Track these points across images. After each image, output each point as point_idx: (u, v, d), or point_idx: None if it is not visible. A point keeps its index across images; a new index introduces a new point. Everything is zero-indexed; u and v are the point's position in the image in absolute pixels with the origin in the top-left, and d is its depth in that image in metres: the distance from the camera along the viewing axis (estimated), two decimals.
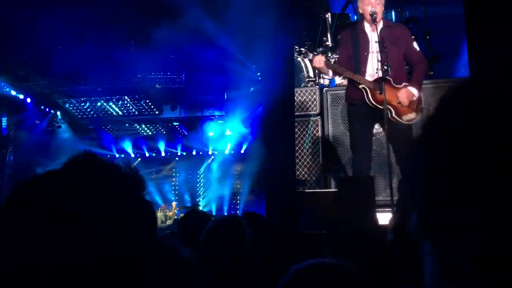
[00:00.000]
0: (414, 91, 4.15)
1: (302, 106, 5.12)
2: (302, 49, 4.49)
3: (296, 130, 5.01)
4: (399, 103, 4.12)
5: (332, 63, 4.43)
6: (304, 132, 5.08)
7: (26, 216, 0.65)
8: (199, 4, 9.60)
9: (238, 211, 12.92)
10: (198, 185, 13.52)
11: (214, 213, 12.77)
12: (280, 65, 6.55)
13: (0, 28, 10.55)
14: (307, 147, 5.04)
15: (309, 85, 5.31)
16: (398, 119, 4.14)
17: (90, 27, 10.23)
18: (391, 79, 4.12)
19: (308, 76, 5.42)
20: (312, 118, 5.02)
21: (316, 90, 5.11)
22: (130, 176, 0.75)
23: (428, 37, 5.37)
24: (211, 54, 11.01)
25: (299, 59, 5.17)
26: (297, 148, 4.99)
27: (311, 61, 4.77)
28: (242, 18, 7.55)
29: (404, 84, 4.17)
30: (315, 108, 5.05)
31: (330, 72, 4.41)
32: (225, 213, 12.84)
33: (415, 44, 4.39)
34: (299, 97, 5.11)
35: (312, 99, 5.06)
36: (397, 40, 4.26)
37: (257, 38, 7.58)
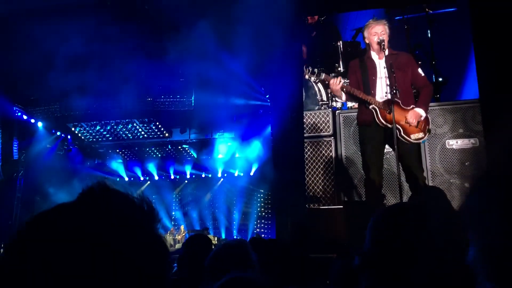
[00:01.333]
0: (421, 112, 4.63)
1: (316, 127, 5.63)
2: (314, 69, 4.96)
3: (311, 150, 5.51)
4: (407, 123, 4.59)
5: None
6: (319, 152, 5.57)
7: (38, 252, 0.66)
8: (209, 27, 10.14)
9: (247, 234, 13.26)
10: (207, 207, 13.91)
11: (223, 236, 13.11)
12: (289, 87, 7.04)
13: (12, 54, 11.22)
14: (321, 166, 5.52)
15: (323, 108, 5.83)
16: (407, 138, 4.60)
17: (100, 52, 10.75)
18: (399, 101, 4.61)
19: (322, 100, 5.94)
20: (325, 139, 5.52)
21: (329, 112, 5.62)
22: (143, 209, 0.77)
23: (434, 62, 5.90)
24: (220, 77, 11.53)
25: (312, 82, 5.70)
26: (312, 167, 5.48)
27: (323, 82, 5.27)
28: (251, 41, 8.05)
29: (412, 106, 4.66)
30: (328, 130, 5.56)
31: (344, 96, 4.90)
32: (235, 236, 13.17)
33: (419, 70, 4.89)
34: (313, 119, 5.63)
35: (326, 121, 5.57)
36: (403, 66, 4.76)
37: (267, 61, 8.09)
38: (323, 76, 4.83)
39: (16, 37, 10.41)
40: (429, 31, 6.11)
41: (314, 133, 5.60)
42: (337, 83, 4.69)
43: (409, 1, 6.43)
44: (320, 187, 5.55)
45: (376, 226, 1.18)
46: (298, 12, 7.13)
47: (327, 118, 5.57)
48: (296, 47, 7.26)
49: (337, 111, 5.62)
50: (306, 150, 5.66)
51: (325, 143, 5.53)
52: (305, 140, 5.70)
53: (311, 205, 5.41)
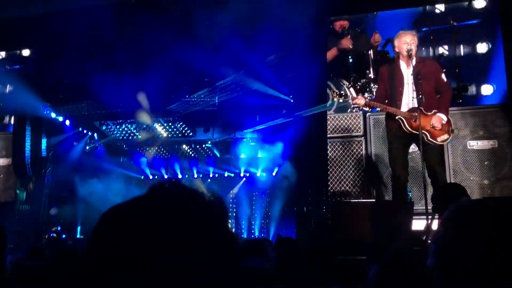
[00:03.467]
0: (443, 116, 5.52)
1: (348, 128, 6.59)
2: (341, 92, 5.86)
3: (343, 149, 6.46)
4: (433, 127, 5.46)
5: (372, 94, 5.84)
6: (350, 151, 6.53)
7: (116, 242, 0.74)
8: (232, 28, 10.92)
9: (269, 234, 14.11)
10: (229, 207, 14.77)
11: (245, 236, 13.97)
12: (312, 88, 7.86)
13: (40, 52, 12.24)
14: (352, 164, 6.47)
15: (354, 110, 6.78)
16: (434, 141, 5.48)
17: (126, 52, 11.64)
18: (422, 108, 5.48)
19: (356, 104, 6.88)
20: (356, 139, 6.48)
21: (360, 115, 6.59)
22: (214, 205, 0.82)
23: (457, 70, 6.82)
24: (244, 77, 12.37)
25: (345, 87, 6.65)
26: (343, 164, 6.43)
27: (355, 87, 6.20)
28: (275, 41, 8.87)
29: (434, 111, 5.53)
30: (359, 130, 6.53)
31: (367, 108, 5.82)
32: (257, 235, 14.04)
33: (443, 75, 5.76)
34: (345, 121, 6.59)
35: (357, 123, 6.53)
36: (429, 73, 5.63)
37: (290, 60, 8.90)
38: (349, 97, 5.76)
39: (43, 35, 11.40)
40: (453, 42, 7.05)
41: (346, 133, 6.57)
42: (360, 103, 5.59)
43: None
44: (351, 182, 6.49)
45: (457, 221, 1.17)
46: (323, 13, 7.95)
47: (358, 120, 6.54)
48: (320, 48, 8.06)
49: (367, 114, 6.58)
50: (338, 148, 6.60)
51: (356, 142, 6.50)
52: (337, 140, 6.65)
53: (342, 198, 6.34)
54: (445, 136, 5.52)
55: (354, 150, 6.52)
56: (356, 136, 6.50)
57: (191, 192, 0.83)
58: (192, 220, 0.77)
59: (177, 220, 0.75)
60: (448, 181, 6.05)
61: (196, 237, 0.75)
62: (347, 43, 7.53)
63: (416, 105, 5.39)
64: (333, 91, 5.81)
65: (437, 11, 7.97)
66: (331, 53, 8.07)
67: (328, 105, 7.29)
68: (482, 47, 7.40)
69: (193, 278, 0.73)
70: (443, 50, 7.47)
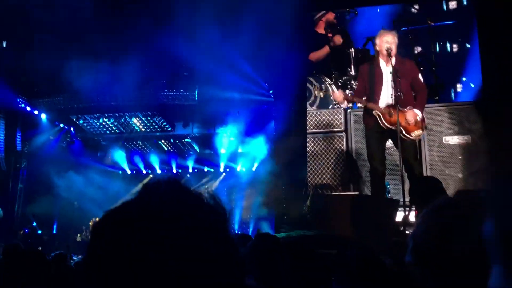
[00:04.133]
0: (418, 112, 5.89)
1: (330, 124, 6.97)
2: (322, 85, 6.19)
3: (325, 144, 6.85)
4: (407, 122, 5.82)
5: (352, 91, 6.19)
6: (331, 146, 6.91)
7: (113, 251, 0.74)
8: (213, 22, 11.14)
9: (248, 229, 14.45)
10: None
11: None
12: (293, 83, 8.19)
13: (17, 45, 12.27)
14: (333, 158, 6.86)
15: (336, 107, 7.16)
16: (408, 136, 5.85)
17: (104, 45, 11.75)
18: (399, 105, 5.81)
19: (335, 100, 7.26)
20: (338, 134, 6.86)
21: (341, 111, 6.97)
22: (213, 208, 0.82)
23: (434, 68, 7.26)
24: (224, 72, 12.61)
25: (327, 84, 7.03)
26: (325, 158, 6.82)
27: (337, 85, 6.58)
28: (256, 36, 9.13)
29: (409, 107, 5.89)
30: (340, 126, 6.91)
31: (345, 103, 6.16)
32: (237, 231, 14.37)
33: (419, 76, 6.12)
34: (327, 117, 6.97)
35: (338, 119, 6.92)
36: (406, 73, 5.98)
37: (271, 56, 9.20)
38: (330, 91, 6.09)
39: (18, 28, 11.44)
40: (430, 41, 7.51)
41: (327, 129, 6.95)
42: (338, 97, 5.91)
43: None
44: (332, 176, 6.88)
45: (435, 218, 1.20)
46: (304, 8, 8.27)
47: (340, 116, 6.94)
48: (301, 43, 8.36)
49: (348, 110, 6.97)
50: (319, 143, 6.98)
51: (337, 137, 6.89)
52: (318, 135, 7.02)
53: (324, 191, 6.71)
54: (419, 132, 5.86)
55: (335, 145, 6.91)
56: (337, 132, 6.89)
57: (189, 194, 0.82)
58: (190, 225, 0.77)
59: (175, 225, 0.75)
60: (425, 175, 6.45)
61: (195, 243, 0.76)
62: (339, 39, 7.91)
63: (394, 102, 5.71)
64: (314, 85, 6.13)
65: (413, 10, 8.43)
66: (323, 52, 8.34)
67: (310, 102, 7.64)
68: (458, 47, 7.91)
69: (192, 283, 0.74)
70: (420, 49, 7.95)
